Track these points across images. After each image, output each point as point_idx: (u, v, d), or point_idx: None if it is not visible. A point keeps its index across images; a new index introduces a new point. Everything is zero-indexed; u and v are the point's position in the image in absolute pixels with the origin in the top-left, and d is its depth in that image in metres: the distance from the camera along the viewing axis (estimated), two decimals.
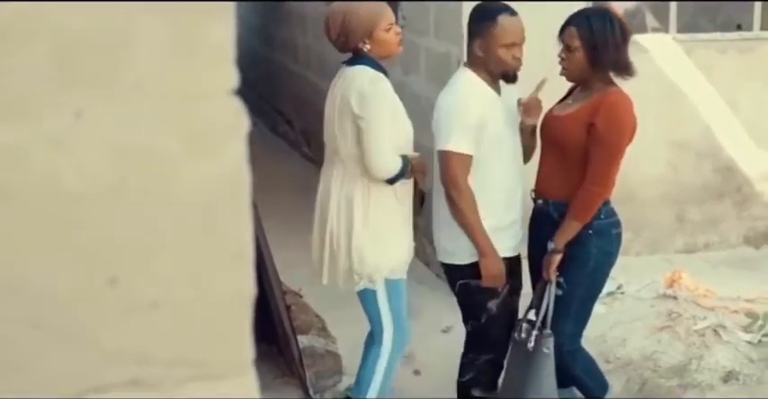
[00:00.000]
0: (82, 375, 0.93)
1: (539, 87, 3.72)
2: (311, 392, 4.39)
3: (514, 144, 3.82)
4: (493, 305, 3.78)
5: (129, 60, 0.87)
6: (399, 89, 4.10)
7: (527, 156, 3.90)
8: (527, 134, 3.81)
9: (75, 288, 0.91)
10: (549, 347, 3.76)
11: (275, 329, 4.34)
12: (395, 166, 3.62)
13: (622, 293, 5.26)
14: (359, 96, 3.56)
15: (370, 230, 3.64)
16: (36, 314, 0.91)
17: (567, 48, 3.63)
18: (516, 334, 3.85)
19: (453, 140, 3.63)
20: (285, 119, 9.41)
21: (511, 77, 3.74)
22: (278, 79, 9.57)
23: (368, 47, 3.64)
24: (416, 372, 4.56)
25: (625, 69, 3.62)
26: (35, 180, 0.88)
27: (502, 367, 3.95)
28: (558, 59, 3.67)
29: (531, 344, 3.75)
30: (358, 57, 3.68)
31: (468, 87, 3.73)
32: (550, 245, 3.69)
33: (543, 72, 3.75)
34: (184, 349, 0.96)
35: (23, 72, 0.84)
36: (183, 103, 0.90)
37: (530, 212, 3.92)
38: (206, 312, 0.95)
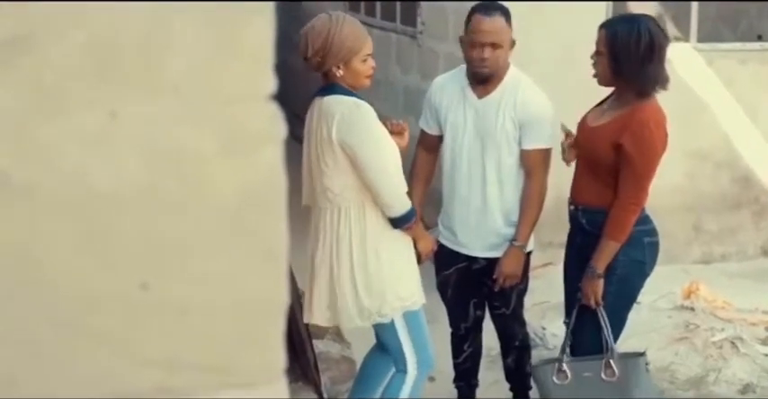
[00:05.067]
0: (110, 379, 0.92)
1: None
2: (326, 397, 4.37)
3: (472, 148, 3.86)
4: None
5: (166, 61, 0.85)
6: (418, 95, 4.10)
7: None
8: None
9: (105, 291, 0.90)
10: (648, 362, 3.68)
11: (291, 333, 4.33)
12: (406, 201, 3.48)
13: (639, 303, 5.20)
14: (342, 123, 3.36)
15: (373, 264, 3.47)
16: (66, 316, 0.89)
17: (597, 52, 3.54)
18: (556, 377, 3.68)
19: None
20: (300, 121, 9.40)
21: (478, 79, 3.82)
22: (295, 82, 9.57)
23: (341, 72, 3.42)
24: (431, 379, 4.52)
25: (652, 84, 3.47)
26: (67, 179, 0.86)
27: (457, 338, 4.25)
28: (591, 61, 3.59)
29: (613, 371, 3.59)
30: (329, 86, 3.48)
31: (441, 76, 4.10)
32: (590, 269, 3.57)
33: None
34: (215, 355, 0.94)
35: (59, 69, 0.83)
36: (219, 106, 0.88)
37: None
38: (238, 317, 0.94)
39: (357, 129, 3.38)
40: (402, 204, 3.47)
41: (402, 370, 3.68)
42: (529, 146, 3.81)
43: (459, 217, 3.96)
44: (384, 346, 3.73)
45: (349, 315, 3.53)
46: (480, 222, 3.93)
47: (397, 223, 3.49)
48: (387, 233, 3.51)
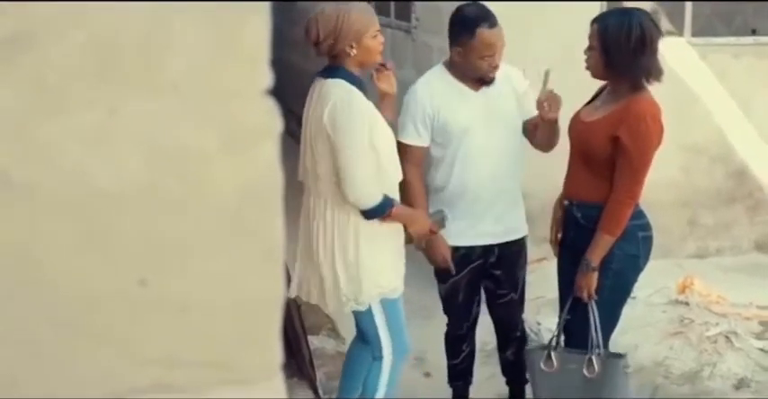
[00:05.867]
0: (110, 376, 0.92)
1: (545, 81, 3.68)
2: (321, 392, 4.38)
3: (485, 139, 3.89)
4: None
5: (165, 60, 0.86)
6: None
7: (549, 147, 3.97)
8: (549, 127, 3.81)
9: (105, 289, 0.90)
10: (626, 365, 3.69)
11: (286, 329, 4.33)
12: (372, 197, 3.47)
13: (633, 298, 5.21)
14: (333, 108, 3.43)
15: (354, 253, 3.51)
16: (66, 315, 0.89)
17: (590, 47, 3.57)
18: (543, 364, 3.74)
19: (400, 131, 3.89)
20: (297, 119, 9.40)
21: (487, 81, 3.88)
22: (289, 78, 9.57)
23: (354, 52, 3.50)
24: (427, 374, 4.54)
25: (646, 75, 3.50)
26: (67, 177, 0.86)
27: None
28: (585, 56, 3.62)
29: (594, 369, 3.61)
30: (334, 68, 3.55)
31: (423, 83, 3.97)
32: (585, 263, 3.59)
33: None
34: (213, 351, 0.95)
35: (60, 68, 0.83)
36: (217, 103, 0.88)
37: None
38: (236, 314, 0.94)
39: (343, 117, 3.41)
40: (368, 196, 3.46)
41: (378, 357, 3.72)
42: (534, 112, 3.89)
43: (483, 210, 3.97)
44: (362, 333, 3.78)
45: (328, 300, 3.60)
46: (509, 207, 4.02)
47: (367, 215, 3.50)
48: (369, 221, 3.52)
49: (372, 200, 3.47)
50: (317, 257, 3.57)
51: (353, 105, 3.44)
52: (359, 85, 3.52)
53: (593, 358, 3.64)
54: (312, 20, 3.53)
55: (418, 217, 3.71)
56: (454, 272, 4.00)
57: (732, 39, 6.34)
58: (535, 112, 3.81)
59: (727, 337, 4.86)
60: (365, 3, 3.73)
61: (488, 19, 3.75)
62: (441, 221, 3.79)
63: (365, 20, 3.53)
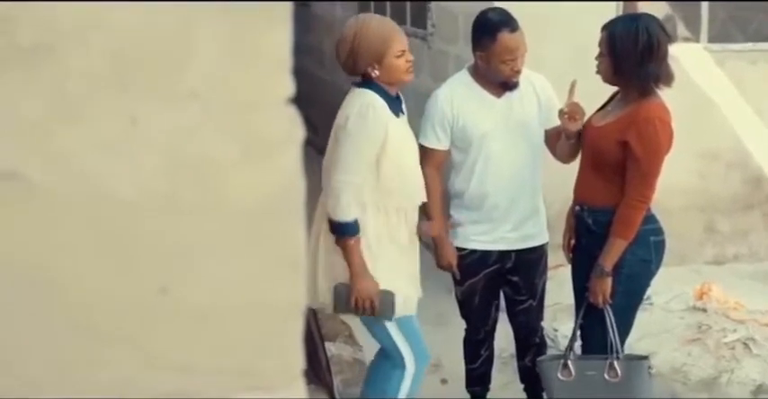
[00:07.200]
0: (131, 384, 0.93)
1: (571, 91, 3.69)
2: None
3: (505, 146, 3.89)
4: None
5: (186, 67, 0.86)
6: (428, 97, 4.07)
7: (569, 158, 3.96)
8: (571, 139, 3.79)
9: (124, 295, 0.90)
10: (650, 366, 3.69)
11: (304, 336, 4.32)
12: (343, 210, 3.36)
13: (651, 304, 5.21)
14: (347, 120, 3.38)
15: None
16: (86, 322, 0.90)
17: (600, 53, 3.61)
18: (560, 373, 3.72)
19: (421, 134, 3.92)
20: (311, 127, 9.40)
21: (510, 86, 3.89)
22: (303, 85, 9.58)
23: (377, 73, 3.41)
24: (444, 381, 4.53)
25: (654, 80, 3.54)
26: (87, 185, 0.87)
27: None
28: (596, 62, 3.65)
29: (616, 373, 3.60)
30: (366, 81, 3.48)
31: (446, 87, 3.99)
32: (598, 268, 3.59)
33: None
34: (234, 358, 0.95)
35: (81, 76, 0.84)
36: (239, 112, 0.89)
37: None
38: (256, 321, 0.95)
39: (356, 127, 3.37)
40: (340, 209, 3.37)
41: (401, 366, 3.68)
42: (557, 121, 3.88)
43: (501, 215, 3.98)
44: (381, 344, 3.76)
45: (325, 303, 3.58)
46: (528, 214, 4.02)
47: (330, 225, 3.42)
48: (382, 240, 3.49)
49: (342, 215, 3.36)
50: (318, 258, 3.54)
51: (368, 117, 3.38)
52: (389, 100, 3.46)
53: (615, 362, 3.63)
54: (336, 41, 3.47)
55: (363, 276, 3.44)
56: (459, 278, 4.02)
57: (749, 46, 6.32)
58: (558, 122, 3.81)
59: (745, 343, 4.84)
60: (386, 19, 3.63)
61: (510, 23, 3.77)
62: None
63: (385, 38, 3.41)
